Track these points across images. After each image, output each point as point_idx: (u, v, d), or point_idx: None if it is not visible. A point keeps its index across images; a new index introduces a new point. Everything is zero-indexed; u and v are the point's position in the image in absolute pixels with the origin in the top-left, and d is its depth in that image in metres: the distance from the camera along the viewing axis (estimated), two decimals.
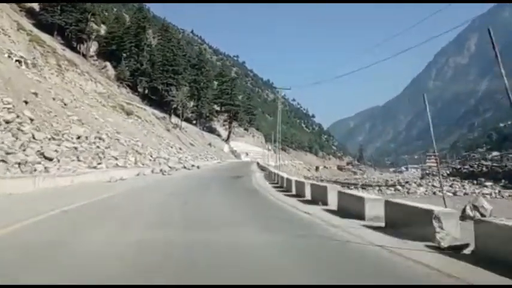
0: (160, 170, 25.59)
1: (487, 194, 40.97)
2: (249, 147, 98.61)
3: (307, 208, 12.42)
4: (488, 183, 56.14)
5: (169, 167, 28.86)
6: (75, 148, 22.40)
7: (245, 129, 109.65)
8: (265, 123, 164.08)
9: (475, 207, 15.30)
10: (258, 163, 62.91)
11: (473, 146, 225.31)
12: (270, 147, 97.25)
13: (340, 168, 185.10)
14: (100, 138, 25.66)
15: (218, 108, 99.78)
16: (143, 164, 26.15)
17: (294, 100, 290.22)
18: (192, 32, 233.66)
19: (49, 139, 21.54)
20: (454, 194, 41.80)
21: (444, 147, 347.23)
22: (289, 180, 20.18)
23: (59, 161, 19.73)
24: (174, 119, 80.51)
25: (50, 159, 19.40)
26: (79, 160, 21.21)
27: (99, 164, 21.69)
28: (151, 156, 31.55)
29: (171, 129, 73.39)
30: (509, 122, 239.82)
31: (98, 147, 24.05)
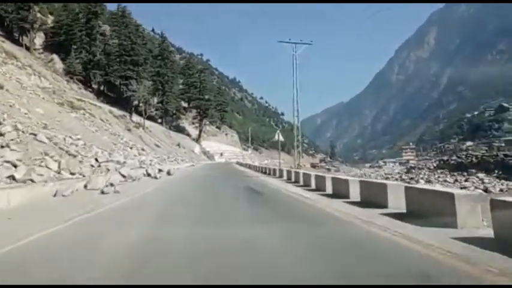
0: (101, 192, 14.03)
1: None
2: (223, 147, 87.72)
3: None
4: (481, 175, 50.67)
5: (123, 175, 17.80)
6: None
7: (217, 127, 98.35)
8: (235, 121, 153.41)
9: None
10: (239, 163, 52.53)
11: (443, 137, 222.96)
12: (246, 147, 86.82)
13: (313, 165, 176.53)
14: None
15: (186, 105, 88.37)
16: (73, 174, 14.94)
17: (261, 98, 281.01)
18: (152, 30, 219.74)
19: None
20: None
21: (411, 140, 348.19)
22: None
23: None
24: (136, 118, 68.74)
25: None
26: None
27: None
28: (96, 160, 20.33)
29: (132, 128, 61.71)
30: (475, 113, 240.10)
31: None
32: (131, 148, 37.34)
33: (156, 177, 22.11)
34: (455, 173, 65.09)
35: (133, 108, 70.37)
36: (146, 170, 22.97)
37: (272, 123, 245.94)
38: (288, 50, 38.61)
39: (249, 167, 51.53)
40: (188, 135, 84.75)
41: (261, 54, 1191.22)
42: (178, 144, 70.46)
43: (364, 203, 10.54)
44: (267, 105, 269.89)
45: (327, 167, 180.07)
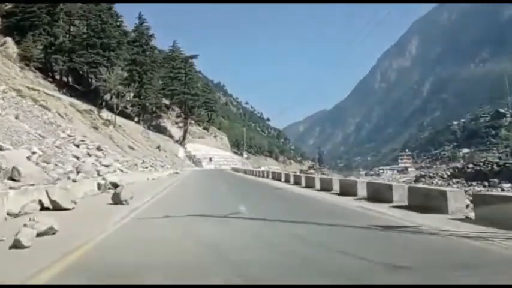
0: None
1: None
2: (212, 150, 74.14)
3: None
4: (506, 185, 44.89)
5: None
6: None
7: (205, 128, 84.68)
8: (222, 125, 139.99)
9: None
10: (235, 170, 39.98)
11: (434, 144, 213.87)
12: (240, 151, 73.64)
13: (303, 172, 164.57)
14: None
15: (168, 102, 74.92)
16: None
17: (247, 103, 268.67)
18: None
19: None
20: None
21: (395, 148, 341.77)
22: None
23: None
24: (107, 114, 55.09)
25: None
26: None
27: None
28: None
29: (99, 126, 48.23)
30: (467, 117, 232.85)
31: None
32: (78, 146, 23.91)
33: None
34: (474, 183, 56.18)
35: (103, 103, 56.91)
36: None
37: (258, 128, 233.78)
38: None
39: (256, 174, 39.42)
40: (171, 136, 71.30)
41: (244, 55, 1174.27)
42: (159, 147, 57.00)
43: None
44: (252, 110, 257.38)
45: (320, 174, 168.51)
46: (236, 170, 53.70)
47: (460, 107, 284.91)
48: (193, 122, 75.48)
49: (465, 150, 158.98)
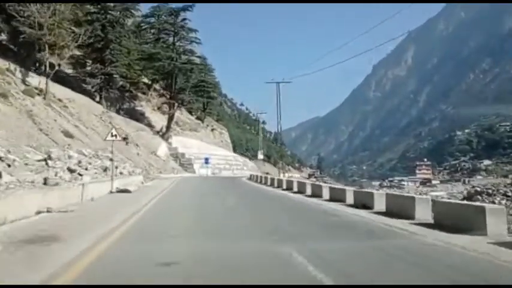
0: None
1: None
2: (208, 148, 50.10)
3: None
4: None
5: None
6: None
7: (198, 118, 60.87)
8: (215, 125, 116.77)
9: None
10: (252, 179, 21.49)
11: (441, 153, 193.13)
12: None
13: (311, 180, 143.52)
14: None
15: (148, 81, 51.76)
16: None
17: (242, 105, 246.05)
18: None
19: None
20: None
21: (393, 158, 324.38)
22: None
23: None
24: (39, 80, 32.02)
25: None
26: None
27: None
28: None
29: (15, 95, 25.43)
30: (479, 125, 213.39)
31: None
32: None
33: None
34: None
35: (38, 64, 33.76)
36: None
37: (253, 131, 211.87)
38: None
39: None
40: (150, 125, 48.18)
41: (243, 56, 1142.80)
42: (126, 139, 33.89)
43: None
44: (247, 112, 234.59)
45: (318, 182, 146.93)
46: (252, 179, 31.42)
47: (462, 118, 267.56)
48: (182, 108, 52.15)
49: (486, 162, 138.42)
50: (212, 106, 69.80)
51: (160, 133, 47.23)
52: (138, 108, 49.37)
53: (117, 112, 43.76)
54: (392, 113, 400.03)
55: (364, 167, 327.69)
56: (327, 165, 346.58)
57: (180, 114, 53.33)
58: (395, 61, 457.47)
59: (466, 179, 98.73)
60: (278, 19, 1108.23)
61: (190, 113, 57.40)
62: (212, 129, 62.83)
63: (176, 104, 47.42)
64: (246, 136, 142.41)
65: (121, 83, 44.12)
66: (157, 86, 51.61)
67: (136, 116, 46.86)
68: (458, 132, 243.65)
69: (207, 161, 42.74)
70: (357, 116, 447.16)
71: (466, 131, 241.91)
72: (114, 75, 42.48)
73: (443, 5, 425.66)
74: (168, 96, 48.17)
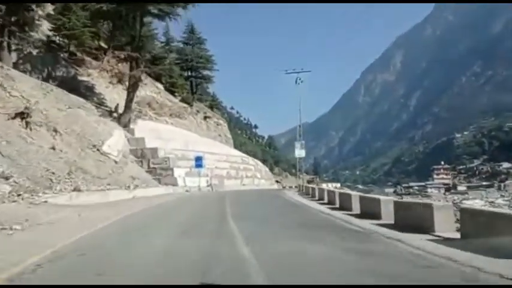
0: None
1: None
2: (197, 143, 30.31)
3: None
4: None
5: None
6: None
7: (184, 100, 40.29)
8: None
9: None
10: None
11: (446, 156, 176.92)
12: None
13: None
14: None
15: (104, 44, 32.83)
16: None
17: (232, 108, 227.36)
18: None
19: None
20: None
21: (386, 162, 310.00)
22: None
23: None
24: None
25: None
26: None
27: None
28: None
29: None
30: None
31: None
32: None
33: None
34: None
35: None
36: None
37: (245, 136, 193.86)
38: None
39: None
40: (100, 104, 28.72)
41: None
42: (23, 113, 15.18)
43: None
44: (238, 115, 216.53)
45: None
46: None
47: (456, 120, 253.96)
48: (159, 84, 32.65)
49: (506, 165, 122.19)
50: (204, 92, 49.99)
51: (115, 114, 27.99)
52: (84, 78, 30.04)
53: (48, 80, 25.04)
54: (383, 117, 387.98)
55: (358, 172, 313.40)
56: (319, 171, 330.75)
57: (156, 94, 34.06)
58: (383, 66, 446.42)
59: (501, 184, 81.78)
60: (274, 21, 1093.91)
61: (171, 91, 38.38)
62: (205, 117, 42.37)
63: (142, 66, 27.92)
64: (239, 140, 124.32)
65: (50, 33, 25.74)
66: (118, 52, 32.07)
67: (80, 90, 27.92)
68: (458, 135, 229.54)
69: (199, 162, 24.02)
70: (347, 121, 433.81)
71: (465, 133, 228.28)
72: (37, 21, 23.91)
73: (431, 9, 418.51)
74: (126, 53, 28.39)
